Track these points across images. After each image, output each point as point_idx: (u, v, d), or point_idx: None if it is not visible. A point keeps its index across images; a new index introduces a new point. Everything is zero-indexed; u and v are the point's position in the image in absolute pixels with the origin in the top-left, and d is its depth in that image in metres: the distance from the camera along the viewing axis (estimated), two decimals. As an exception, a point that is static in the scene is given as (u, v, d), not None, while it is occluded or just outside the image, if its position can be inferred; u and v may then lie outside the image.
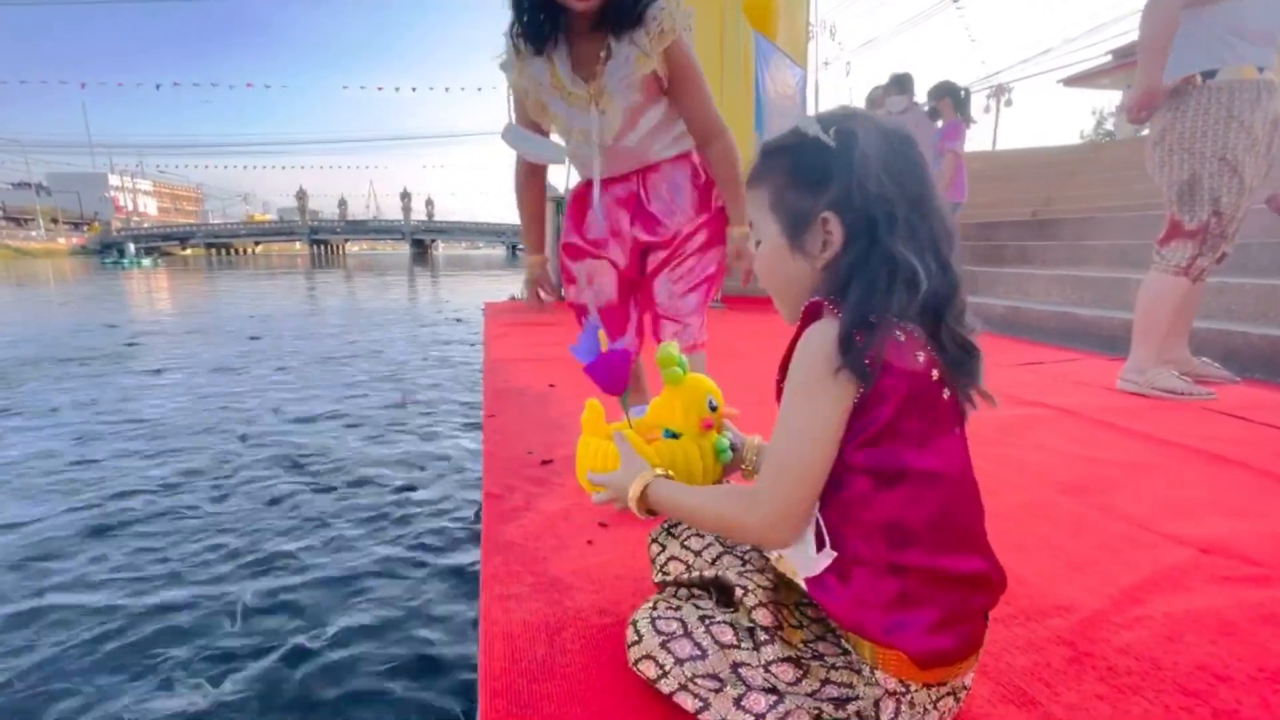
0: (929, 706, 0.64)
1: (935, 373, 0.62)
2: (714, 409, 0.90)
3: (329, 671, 1.48)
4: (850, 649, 0.66)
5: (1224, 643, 0.84)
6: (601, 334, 0.91)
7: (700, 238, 1.43)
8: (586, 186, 1.46)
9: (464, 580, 1.86)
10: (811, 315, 0.65)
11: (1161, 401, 2.10)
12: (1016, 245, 5.20)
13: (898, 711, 0.63)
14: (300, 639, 1.59)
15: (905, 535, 0.61)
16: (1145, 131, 2.17)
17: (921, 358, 0.61)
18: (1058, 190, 7.12)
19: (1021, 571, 1.02)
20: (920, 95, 4.48)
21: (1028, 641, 0.84)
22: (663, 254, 1.43)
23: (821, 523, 0.66)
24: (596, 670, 0.78)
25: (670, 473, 0.79)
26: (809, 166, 0.64)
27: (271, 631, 1.62)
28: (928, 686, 0.63)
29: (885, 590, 0.62)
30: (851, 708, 0.63)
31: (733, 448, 0.92)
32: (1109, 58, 15.68)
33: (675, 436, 0.90)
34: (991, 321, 3.84)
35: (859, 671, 0.64)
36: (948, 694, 0.65)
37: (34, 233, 45.65)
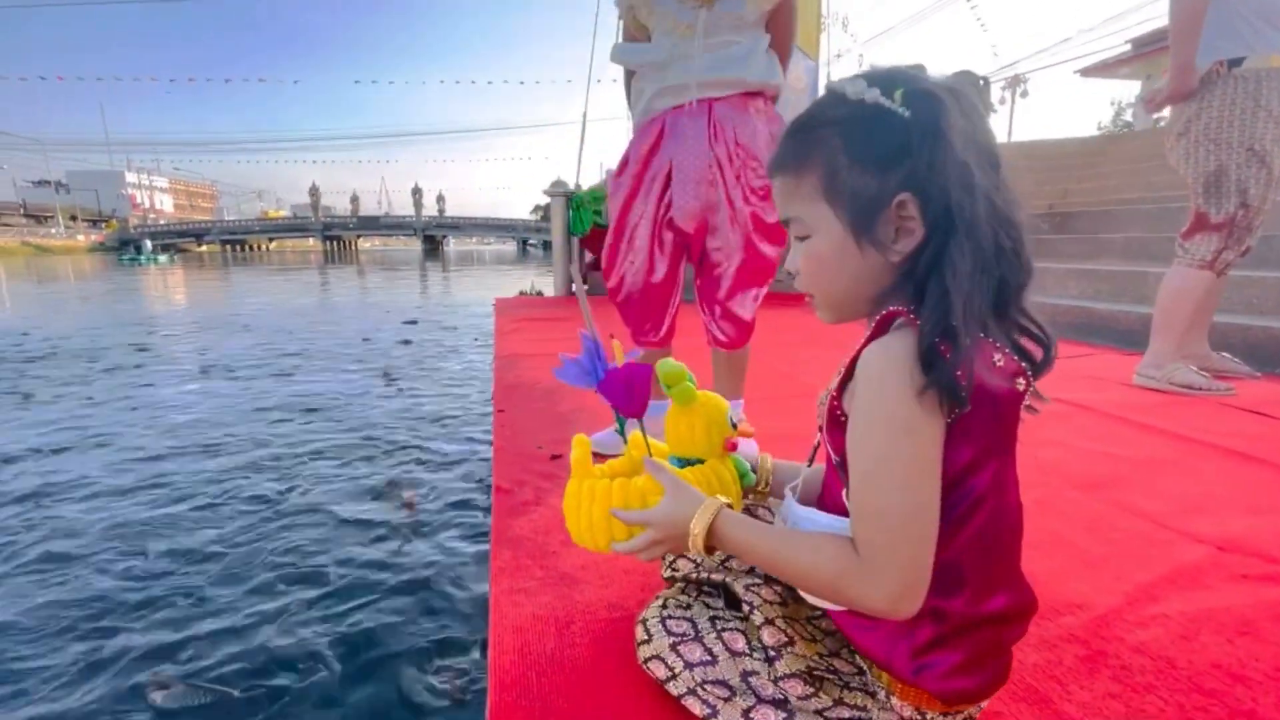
0: None
1: (1023, 387, 0.54)
2: (734, 427, 0.79)
3: (338, 662, 1.49)
4: (865, 669, 0.64)
5: (1241, 641, 0.83)
6: (616, 344, 0.77)
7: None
8: (649, 123, 1.49)
9: (474, 574, 1.87)
10: (884, 327, 0.56)
11: (1179, 397, 2.07)
12: (1031, 239, 5.15)
13: None
14: (309, 630, 1.61)
15: (957, 579, 0.56)
16: (1165, 123, 2.13)
17: (1022, 384, 0.54)
18: (1074, 183, 7.01)
19: (1034, 569, 1.00)
20: None
21: (1040, 639, 0.83)
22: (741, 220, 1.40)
23: None
24: (605, 665, 0.79)
25: (730, 501, 0.66)
26: (875, 139, 0.54)
27: (280, 619, 1.65)
28: (945, 715, 0.61)
29: (921, 635, 0.58)
30: None
31: (752, 468, 0.82)
32: (1128, 47, 15.39)
33: (685, 463, 0.78)
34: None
35: (873, 695, 0.62)
36: (964, 718, 0.63)
37: (54, 230, 46.42)
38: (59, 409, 3.72)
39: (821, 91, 0.60)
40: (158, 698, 1.37)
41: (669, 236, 1.48)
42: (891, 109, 0.53)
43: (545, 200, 5.33)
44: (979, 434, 0.53)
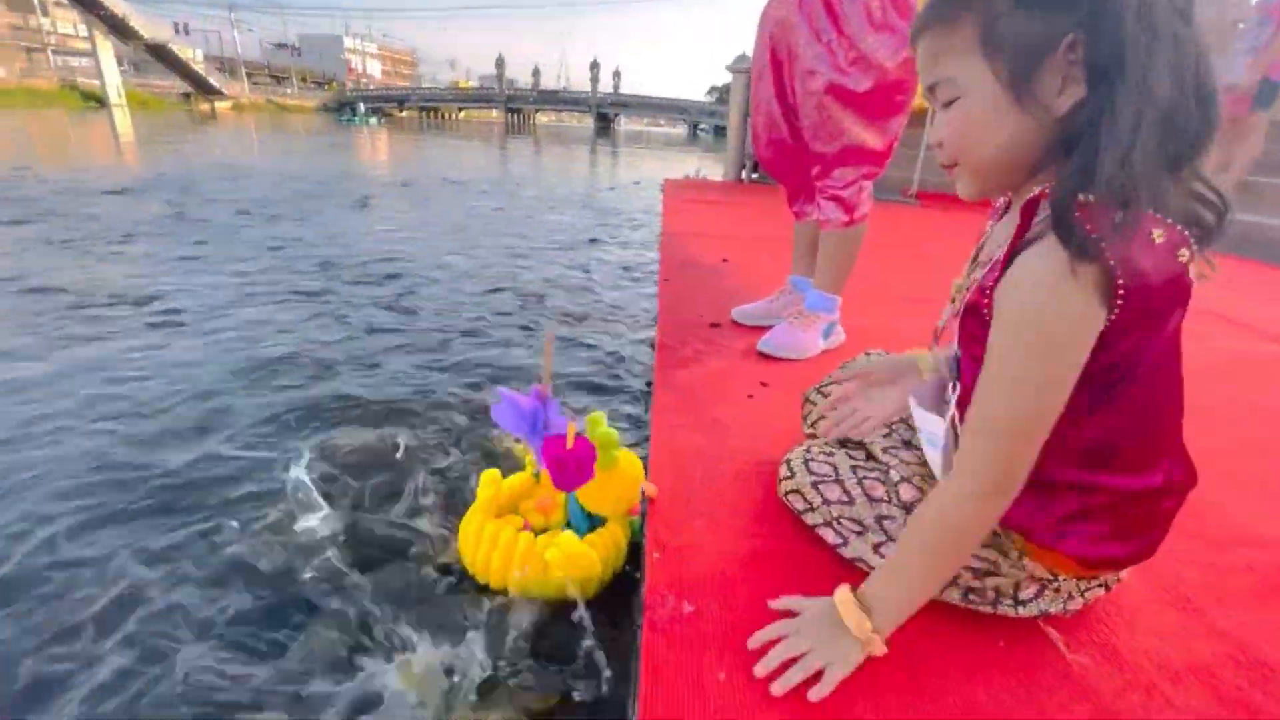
0: (1075, 594, 0.64)
1: (1187, 258, 0.48)
2: (643, 496, 0.89)
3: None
4: (999, 531, 0.64)
5: None
6: (571, 427, 0.85)
7: (865, 80, 1.25)
8: None
9: (636, 420, 1.98)
10: (1032, 211, 0.51)
11: None
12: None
13: (1039, 594, 0.64)
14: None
15: (1108, 454, 0.56)
16: None
17: (1185, 255, 0.48)
18: None
19: (1217, 495, 0.93)
20: None
21: (1208, 563, 0.80)
22: (820, 81, 1.28)
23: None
24: (748, 494, 0.89)
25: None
26: None
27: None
28: (1078, 578, 0.63)
29: (1064, 506, 0.59)
30: (990, 581, 0.64)
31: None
32: None
33: (589, 519, 0.94)
34: (1268, 246, 3.10)
35: (1005, 553, 0.64)
36: (1098, 585, 0.65)
37: (289, 90, 52.80)
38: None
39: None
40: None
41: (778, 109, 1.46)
42: None
43: (722, 81, 5.05)
44: (1136, 315, 0.48)
